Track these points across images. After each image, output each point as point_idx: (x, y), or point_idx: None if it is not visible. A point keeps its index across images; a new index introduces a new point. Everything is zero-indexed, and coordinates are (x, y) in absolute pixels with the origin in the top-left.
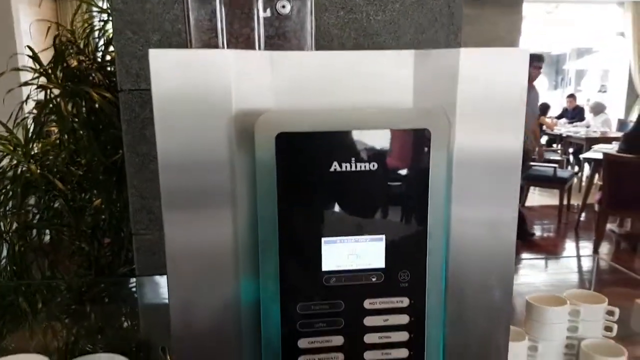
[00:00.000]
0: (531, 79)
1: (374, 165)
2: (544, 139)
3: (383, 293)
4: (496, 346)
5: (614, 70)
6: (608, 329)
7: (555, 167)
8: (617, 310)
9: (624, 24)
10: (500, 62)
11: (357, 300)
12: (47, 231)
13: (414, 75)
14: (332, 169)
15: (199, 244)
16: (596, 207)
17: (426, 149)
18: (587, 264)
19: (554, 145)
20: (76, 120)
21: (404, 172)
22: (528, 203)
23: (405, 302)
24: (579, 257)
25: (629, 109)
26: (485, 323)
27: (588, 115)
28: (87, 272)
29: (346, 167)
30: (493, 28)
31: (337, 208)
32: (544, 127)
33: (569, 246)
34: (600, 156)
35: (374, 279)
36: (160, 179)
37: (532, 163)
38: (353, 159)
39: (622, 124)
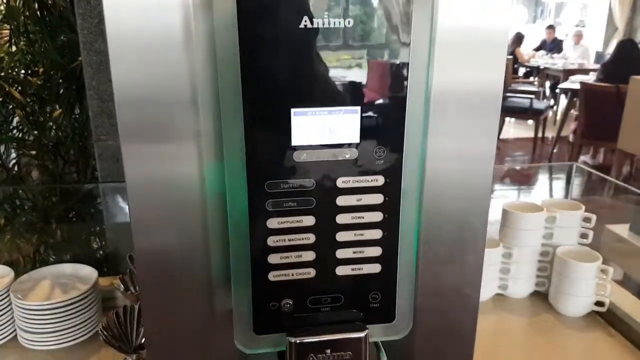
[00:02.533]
0: None
1: (349, 22)
2: (521, 71)
3: (357, 171)
4: (474, 231)
5: (593, 3)
6: (584, 236)
7: (531, 98)
8: (593, 217)
9: None
10: None
11: (329, 178)
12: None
13: None
14: (302, 25)
15: (156, 125)
16: (571, 138)
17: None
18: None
19: (531, 78)
20: (29, 22)
21: (383, 30)
22: (503, 136)
23: (380, 180)
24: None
25: (607, 41)
26: (463, 207)
27: (567, 46)
28: (51, 189)
29: (318, 23)
30: None
31: (307, 73)
32: (519, 60)
33: (542, 177)
34: (577, 86)
35: (347, 156)
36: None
37: (508, 94)
38: (326, 13)
39: (599, 57)
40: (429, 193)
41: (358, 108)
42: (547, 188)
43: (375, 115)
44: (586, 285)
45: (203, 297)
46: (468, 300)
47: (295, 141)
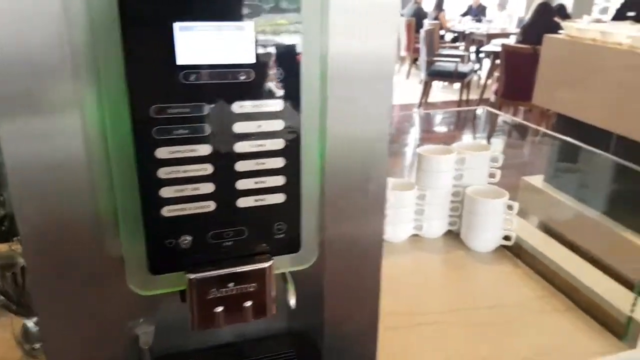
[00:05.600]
0: None
1: None
2: (448, 37)
3: (255, 94)
4: (376, 158)
5: None
6: (492, 175)
7: (457, 62)
8: (500, 157)
9: None
10: None
11: (224, 103)
12: None
13: None
14: None
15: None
16: (492, 99)
17: None
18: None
19: (457, 43)
20: None
21: None
22: (431, 99)
23: (279, 105)
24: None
25: (528, 7)
26: (365, 136)
27: (492, 11)
28: None
29: None
30: None
31: None
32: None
33: (467, 137)
34: (498, 49)
35: (242, 78)
36: None
37: (435, 58)
38: None
39: (521, 21)
40: (332, 121)
41: (252, 23)
42: (459, 131)
43: (272, 32)
44: (494, 221)
45: (91, 240)
46: (373, 228)
47: (181, 60)
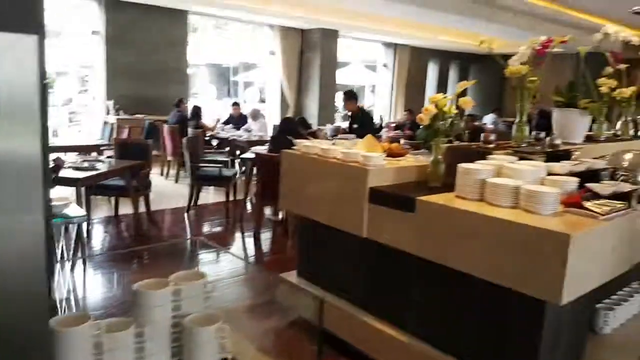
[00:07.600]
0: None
1: None
2: (215, 141)
3: None
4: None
5: (270, 83)
6: (207, 300)
7: (220, 167)
8: (211, 283)
9: (274, 44)
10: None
11: None
12: None
13: None
14: None
15: None
16: (254, 200)
17: None
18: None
19: (223, 149)
20: None
21: None
22: (201, 201)
23: None
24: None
25: (282, 116)
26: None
27: (249, 120)
28: None
29: None
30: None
31: None
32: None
33: (237, 235)
34: (254, 156)
35: None
36: None
37: (200, 164)
38: None
39: (276, 129)
40: None
41: None
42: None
43: None
44: (211, 347)
45: None
46: None
47: None
